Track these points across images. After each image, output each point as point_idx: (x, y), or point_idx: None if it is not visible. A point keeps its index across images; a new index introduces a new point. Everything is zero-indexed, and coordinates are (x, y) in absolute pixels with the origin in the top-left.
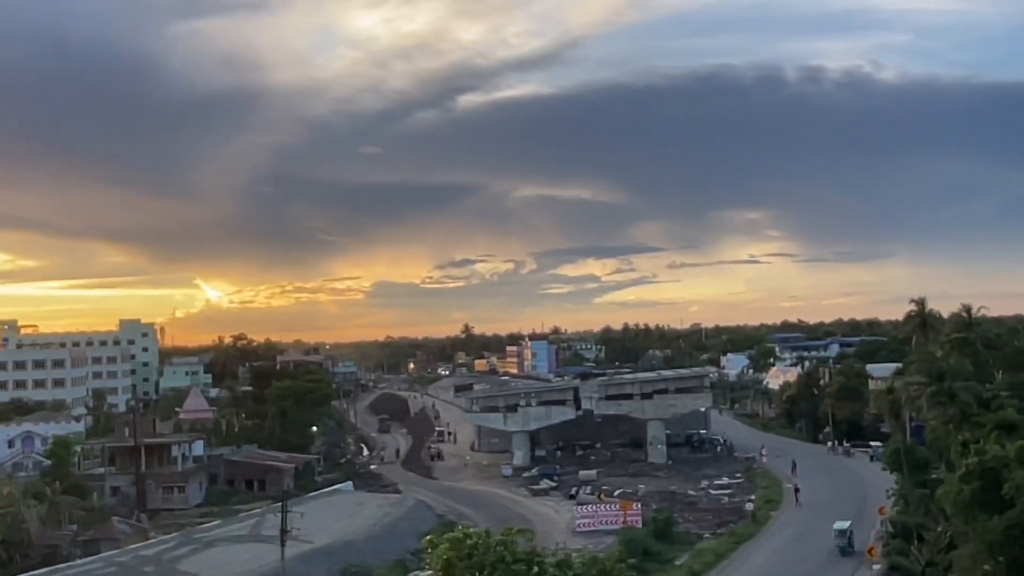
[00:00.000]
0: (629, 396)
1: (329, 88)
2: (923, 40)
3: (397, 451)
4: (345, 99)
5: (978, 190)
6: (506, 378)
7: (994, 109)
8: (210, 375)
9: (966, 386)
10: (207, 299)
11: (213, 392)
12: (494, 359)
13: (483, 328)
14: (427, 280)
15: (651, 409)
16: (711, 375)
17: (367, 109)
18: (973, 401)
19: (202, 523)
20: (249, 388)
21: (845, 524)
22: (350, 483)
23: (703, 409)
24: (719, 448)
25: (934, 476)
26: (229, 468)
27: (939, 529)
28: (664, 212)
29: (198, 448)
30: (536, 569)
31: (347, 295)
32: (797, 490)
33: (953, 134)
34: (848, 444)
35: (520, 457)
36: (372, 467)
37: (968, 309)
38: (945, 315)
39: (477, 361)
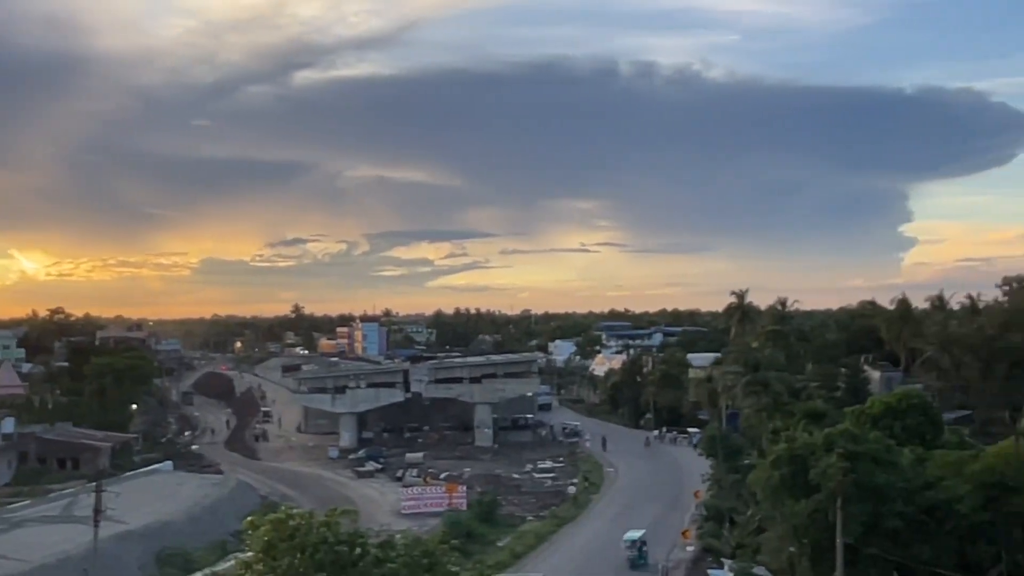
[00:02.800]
0: (458, 380)
1: (160, 57)
2: (750, 42)
3: (228, 423)
4: (176, 69)
5: (798, 188)
6: (335, 359)
7: (814, 111)
8: (23, 349)
9: (778, 376)
10: (22, 270)
11: (26, 367)
12: (343, 341)
13: (314, 308)
14: (257, 258)
15: (479, 393)
16: (539, 360)
17: (199, 81)
18: (785, 390)
19: (10, 503)
20: (65, 364)
21: (637, 534)
22: (170, 463)
23: (530, 394)
24: (543, 432)
25: (747, 462)
26: (41, 446)
27: (749, 513)
28: (498, 198)
29: (8, 425)
30: (359, 550)
31: (173, 271)
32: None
33: (776, 134)
34: (675, 431)
35: (347, 439)
36: (194, 447)
37: (783, 302)
38: (763, 308)
39: (325, 342)
